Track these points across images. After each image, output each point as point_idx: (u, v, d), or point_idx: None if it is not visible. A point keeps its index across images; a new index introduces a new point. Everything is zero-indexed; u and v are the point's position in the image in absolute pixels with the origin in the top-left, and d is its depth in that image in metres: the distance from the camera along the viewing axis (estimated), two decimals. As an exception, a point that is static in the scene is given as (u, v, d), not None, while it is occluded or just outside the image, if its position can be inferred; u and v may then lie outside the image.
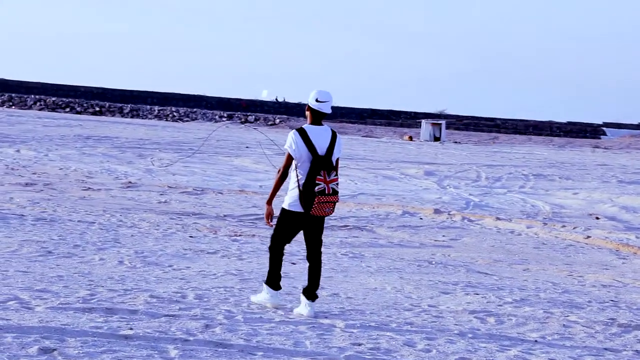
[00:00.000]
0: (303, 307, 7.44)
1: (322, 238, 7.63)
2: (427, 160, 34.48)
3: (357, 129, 66.32)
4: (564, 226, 15.89)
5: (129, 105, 69.35)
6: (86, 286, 7.87)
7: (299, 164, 7.32)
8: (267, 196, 7.56)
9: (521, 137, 68.24)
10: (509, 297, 8.84)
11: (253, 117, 69.14)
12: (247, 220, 14.05)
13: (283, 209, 7.42)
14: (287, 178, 7.45)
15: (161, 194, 17.08)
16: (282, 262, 7.63)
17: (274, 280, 7.53)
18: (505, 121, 78.26)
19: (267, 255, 7.61)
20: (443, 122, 63.15)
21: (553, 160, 38.47)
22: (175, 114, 69.27)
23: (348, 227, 14.13)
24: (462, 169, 30.18)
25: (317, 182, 7.22)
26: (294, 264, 10.16)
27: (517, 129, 75.14)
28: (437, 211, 16.92)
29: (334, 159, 7.39)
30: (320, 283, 8.90)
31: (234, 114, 70.92)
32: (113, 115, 65.09)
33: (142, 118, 67.21)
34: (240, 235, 12.36)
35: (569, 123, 77.17)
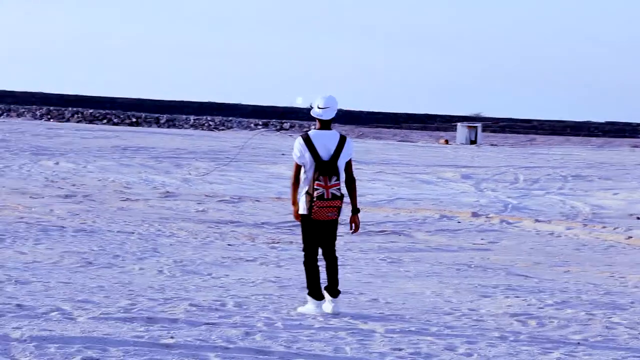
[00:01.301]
0: (327, 304, 7.53)
1: (338, 239, 7.76)
2: (463, 164, 34.29)
3: (392, 134, 66.13)
4: (604, 227, 15.70)
5: (164, 116, 69.90)
6: (127, 296, 7.93)
7: (305, 170, 7.48)
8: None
9: (558, 138, 67.59)
10: (550, 300, 8.76)
11: (288, 124, 69.29)
12: (284, 227, 14.08)
13: (300, 215, 7.52)
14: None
15: (198, 203, 17.17)
16: (319, 271, 7.64)
17: (315, 290, 7.56)
18: (542, 122, 77.59)
19: (305, 267, 7.65)
20: (479, 124, 62.78)
21: (591, 160, 38.06)
22: (210, 123, 69.64)
23: (385, 232, 14.10)
24: (499, 172, 29.96)
25: (316, 187, 7.31)
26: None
27: (554, 130, 74.42)
28: (474, 214, 16.82)
29: (342, 163, 7.48)
30: (360, 289, 8.90)
31: (269, 122, 71.10)
32: (149, 126, 65.59)
33: (178, 128, 67.66)
34: (278, 242, 12.38)
35: (607, 123, 76.31)
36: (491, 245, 13.26)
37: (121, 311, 7.23)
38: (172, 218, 14.57)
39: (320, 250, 7.64)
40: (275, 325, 7.04)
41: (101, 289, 8.25)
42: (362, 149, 45.54)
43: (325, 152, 7.43)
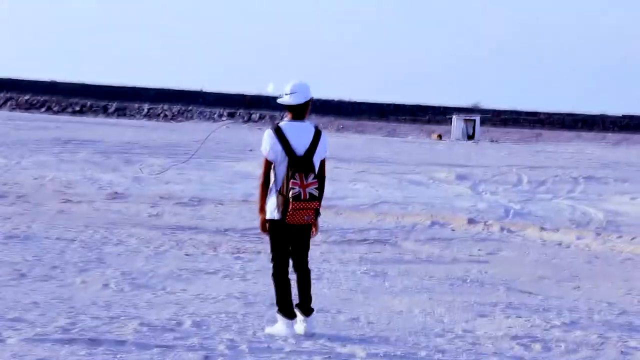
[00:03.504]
0: (299, 324, 7.52)
1: (310, 247, 7.71)
2: (459, 162, 34.38)
3: (377, 127, 66.31)
4: (620, 237, 15.80)
5: (114, 103, 69.61)
6: (66, 314, 7.88)
7: (275, 166, 7.44)
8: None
9: (569, 133, 68.07)
10: (556, 320, 8.80)
11: (257, 114, 69.32)
12: (251, 234, 14.06)
13: (268, 221, 7.50)
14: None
15: (152, 206, 17.10)
16: (291, 285, 7.63)
17: (286, 307, 7.53)
18: (549, 115, 78.04)
19: (274, 281, 7.62)
20: (477, 117, 63.10)
21: (607, 159, 38.33)
22: (167, 112, 69.50)
23: (368, 241, 14.11)
24: (499, 172, 30.07)
25: (292, 186, 7.28)
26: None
27: (563, 124, 74.92)
28: (471, 221, 16.86)
29: (316, 160, 7.47)
30: (338, 306, 8.89)
31: (236, 112, 71.06)
32: (96, 115, 65.31)
33: (130, 118, 67.43)
34: (243, 252, 12.36)
35: (625, 116, 76.80)
36: (490, 256, 13.30)
37: (59, 331, 7.17)
38: (120, 223, 14.50)
39: (290, 262, 7.62)
40: (240, 348, 7.02)
41: (36, 305, 8.19)
42: (342, 145, 45.58)
43: (299, 146, 7.42)
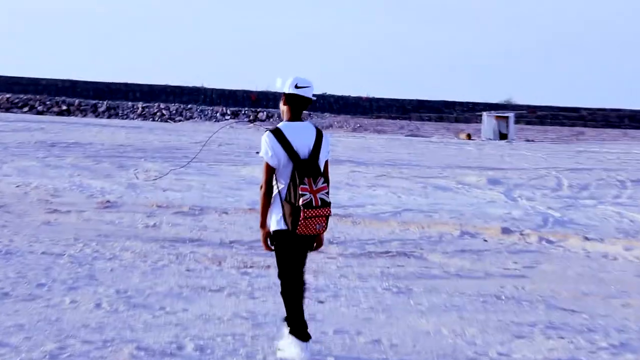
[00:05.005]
0: (296, 351, 7.50)
1: (325, 261, 7.73)
2: (491, 165, 34.33)
3: (399, 126, 66.28)
4: (673, 247, 15.74)
5: (104, 102, 69.77)
6: (54, 337, 7.89)
7: (278, 173, 7.46)
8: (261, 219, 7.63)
9: (614, 131, 67.95)
10: (603, 342, 8.76)
11: (264, 113, 69.40)
12: (260, 247, 14.06)
13: (273, 233, 7.52)
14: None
15: (149, 216, 17.12)
16: (304, 301, 7.63)
17: (300, 328, 7.52)
18: (592, 112, 77.91)
19: (285, 299, 7.62)
20: (511, 114, 62.99)
21: (656, 160, 38.20)
22: (164, 112, 69.65)
23: (390, 254, 14.09)
24: (537, 175, 30.01)
25: (301, 192, 7.30)
26: (321, 302, 10.14)
27: (608, 121, 74.80)
28: (505, 230, 16.82)
29: (322, 162, 7.53)
30: (358, 327, 8.87)
31: (240, 110, 71.17)
32: (84, 115, 65.50)
33: (122, 118, 67.61)
34: (251, 266, 12.36)
35: (676, 112, 76.66)
36: (527, 270, 13.26)
37: (47, 357, 7.18)
38: (113, 235, 14.52)
39: None
40: (248, 375, 7.01)
41: (20, 328, 8.20)
42: (359, 146, 45.60)
43: (302, 147, 7.48)
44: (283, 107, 7.66)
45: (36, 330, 8.12)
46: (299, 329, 7.54)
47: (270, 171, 7.47)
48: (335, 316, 9.34)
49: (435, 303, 10.46)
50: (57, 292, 10.00)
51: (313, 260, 12.49)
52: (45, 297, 9.68)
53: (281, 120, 7.78)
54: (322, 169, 7.51)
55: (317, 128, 7.62)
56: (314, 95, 7.74)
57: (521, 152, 43.50)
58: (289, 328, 7.62)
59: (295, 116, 7.61)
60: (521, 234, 16.57)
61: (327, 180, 7.53)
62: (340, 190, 23.31)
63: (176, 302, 9.80)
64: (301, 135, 7.52)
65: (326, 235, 14.79)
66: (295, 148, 7.44)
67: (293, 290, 7.56)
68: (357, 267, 12.73)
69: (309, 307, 9.67)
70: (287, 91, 7.61)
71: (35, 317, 8.71)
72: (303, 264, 7.67)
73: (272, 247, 7.57)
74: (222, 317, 9.13)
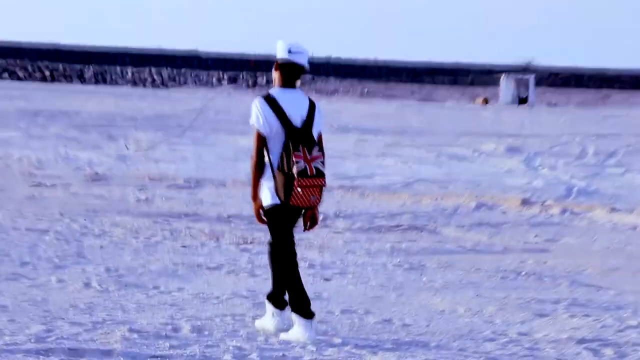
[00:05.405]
0: (300, 330, 7.48)
1: (332, 236, 7.75)
2: (509, 132, 34.31)
3: (410, 91, 66.27)
4: None
5: (91, 67, 69.70)
6: (40, 319, 7.91)
7: (269, 142, 7.49)
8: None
9: (642, 94, 67.79)
10: (632, 320, 8.77)
11: (264, 78, 69.32)
12: (260, 221, 14.08)
13: (265, 210, 7.54)
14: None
15: (140, 189, 17.14)
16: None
17: (302, 302, 7.53)
18: (619, 73, 77.70)
19: (283, 275, 7.66)
20: (531, 77, 62.93)
21: (689, 125, 38.14)
22: (156, 77, 69.62)
23: (401, 228, 14.11)
24: (559, 142, 29.99)
25: (295, 159, 7.34)
26: (327, 279, 10.16)
27: (636, 83, 74.59)
28: (525, 202, 16.83)
29: (314, 134, 7.54)
30: (367, 306, 8.90)
31: (238, 75, 71.14)
32: (70, 82, 65.49)
33: (111, 85, 67.60)
34: (251, 242, 12.38)
35: None
36: (549, 244, 13.28)
37: (32, 340, 7.21)
38: (103, 210, 14.55)
39: None
40: (249, 357, 7.04)
41: (3, 309, 8.23)
42: (367, 113, 45.56)
43: (296, 116, 7.50)
44: (275, 75, 7.66)
45: (20, 312, 8.14)
46: (302, 305, 7.54)
47: (261, 140, 7.49)
48: (342, 295, 9.36)
49: (450, 280, 10.48)
50: (43, 271, 10.03)
51: (318, 235, 12.51)
52: (30, 277, 9.70)
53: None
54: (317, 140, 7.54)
55: (310, 99, 7.66)
56: (312, 61, 7.76)
57: (542, 118, 43.48)
58: (272, 306, 7.70)
59: (287, 83, 7.61)
60: (543, 205, 16.58)
61: (322, 151, 7.55)
62: (347, 161, 23.32)
63: (171, 281, 9.82)
64: (294, 103, 7.54)
65: (332, 209, 14.81)
66: (288, 115, 7.45)
67: (289, 262, 7.57)
68: (366, 242, 12.75)
69: (315, 284, 9.70)
70: (279, 56, 7.61)
71: (19, 297, 8.73)
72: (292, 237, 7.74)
73: (266, 220, 7.60)
74: (221, 296, 9.15)
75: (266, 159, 7.54)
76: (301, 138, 7.41)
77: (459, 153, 26.30)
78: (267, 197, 7.52)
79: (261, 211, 7.59)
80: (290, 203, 7.39)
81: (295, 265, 7.60)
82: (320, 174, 7.41)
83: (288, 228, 7.58)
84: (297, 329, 7.55)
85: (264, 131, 7.46)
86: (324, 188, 7.50)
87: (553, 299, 9.63)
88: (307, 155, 7.39)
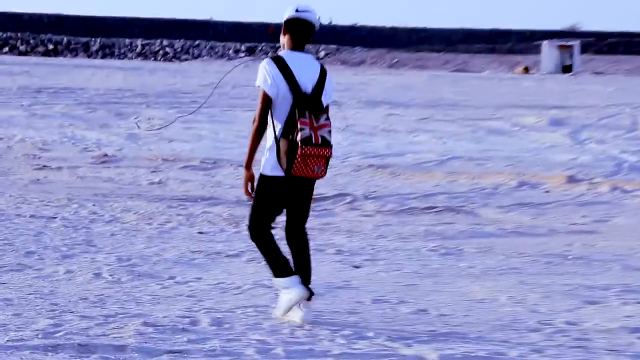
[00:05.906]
0: (296, 310, 7.60)
1: (311, 212, 7.78)
2: (553, 103, 34.18)
3: (443, 61, 66.19)
4: None
5: (97, 40, 69.91)
6: (47, 313, 7.94)
7: (274, 107, 7.51)
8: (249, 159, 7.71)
9: (698, 60, 67.54)
10: (689, 306, 8.74)
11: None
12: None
13: (262, 176, 7.60)
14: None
15: (153, 171, 17.17)
16: (310, 258, 7.72)
17: (280, 266, 7.61)
18: (671, 37, 77.30)
19: (275, 248, 7.74)
20: (576, 43, 62.67)
21: None
22: (168, 50, 69.79)
23: (436, 209, 14.10)
24: (608, 114, 29.86)
25: (300, 126, 7.35)
26: (357, 267, 10.16)
27: (690, 48, 74.27)
28: (571, 179, 16.78)
29: (324, 102, 7.56)
30: (400, 294, 8.89)
31: (257, 46, 71.18)
32: (75, 56, 65.71)
33: (120, 58, 67.78)
34: (273, 227, 12.37)
35: None
36: (598, 225, 13.24)
37: (40, 335, 7.24)
38: (113, 194, 14.58)
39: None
40: (274, 352, 7.05)
41: (8, 303, 8.26)
42: (397, 85, 45.46)
43: (306, 81, 7.52)
44: (283, 39, 7.66)
45: (26, 305, 8.17)
46: (282, 267, 7.62)
47: (266, 102, 7.50)
48: (373, 283, 9.36)
49: (490, 265, 10.46)
50: (50, 261, 10.06)
51: (345, 218, 12.52)
52: (36, 267, 9.73)
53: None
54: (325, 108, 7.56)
55: (322, 65, 7.66)
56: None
57: (589, 87, 43.28)
58: (273, 273, 7.74)
59: (297, 46, 7.62)
60: (590, 183, 16.52)
61: (329, 120, 7.56)
62: (376, 137, 23.31)
63: (188, 270, 9.84)
64: (304, 67, 7.55)
65: (361, 190, 14.81)
66: (297, 79, 7.46)
67: (263, 229, 7.66)
68: (398, 225, 12.74)
69: (343, 272, 9.71)
70: (286, 17, 7.62)
71: (25, 290, 8.77)
72: (306, 217, 7.74)
73: (252, 194, 7.62)
74: (242, 286, 9.17)
75: (270, 124, 7.55)
76: (309, 104, 7.43)
77: (498, 127, 26.22)
78: (268, 167, 7.56)
79: (250, 184, 7.63)
80: (292, 173, 7.42)
81: (267, 228, 7.67)
82: (327, 144, 7.42)
83: (274, 208, 7.63)
84: (285, 297, 7.67)
85: (270, 93, 7.47)
86: (329, 159, 7.51)
87: (603, 285, 9.60)
88: (314, 122, 7.40)
